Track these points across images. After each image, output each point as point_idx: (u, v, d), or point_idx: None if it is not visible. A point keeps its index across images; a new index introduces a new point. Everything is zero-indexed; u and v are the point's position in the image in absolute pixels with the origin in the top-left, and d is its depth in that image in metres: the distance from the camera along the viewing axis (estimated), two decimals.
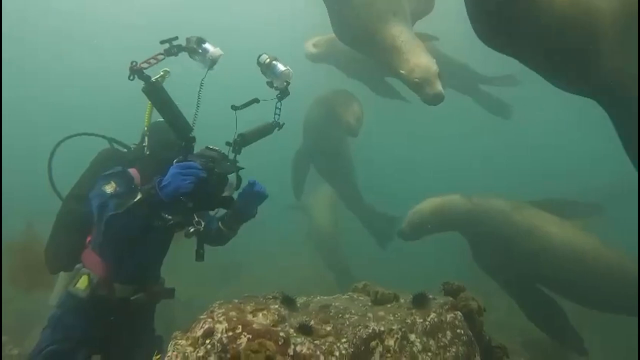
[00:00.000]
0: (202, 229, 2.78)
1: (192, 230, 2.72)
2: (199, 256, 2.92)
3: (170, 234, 3.03)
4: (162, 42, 2.59)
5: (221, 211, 3.01)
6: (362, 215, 9.03)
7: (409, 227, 5.70)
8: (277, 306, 2.49)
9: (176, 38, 2.61)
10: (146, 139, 2.97)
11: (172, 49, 2.59)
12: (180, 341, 2.05)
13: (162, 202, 2.42)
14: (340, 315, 2.53)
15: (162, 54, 2.57)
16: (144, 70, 2.43)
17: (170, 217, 2.68)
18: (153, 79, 2.46)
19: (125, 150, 3.15)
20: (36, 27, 21.52)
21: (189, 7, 19.82)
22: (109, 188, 2.72)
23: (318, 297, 2.97)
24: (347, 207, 9.16)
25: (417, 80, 4.49)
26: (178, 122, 2.49)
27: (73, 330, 2.75)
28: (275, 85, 2.82)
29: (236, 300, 2.50)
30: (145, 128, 2.93)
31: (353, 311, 2.58)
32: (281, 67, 2.76)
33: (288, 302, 2.65)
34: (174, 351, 1.99)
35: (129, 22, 20.81)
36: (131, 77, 2.42)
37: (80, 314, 2.76)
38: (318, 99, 8.25)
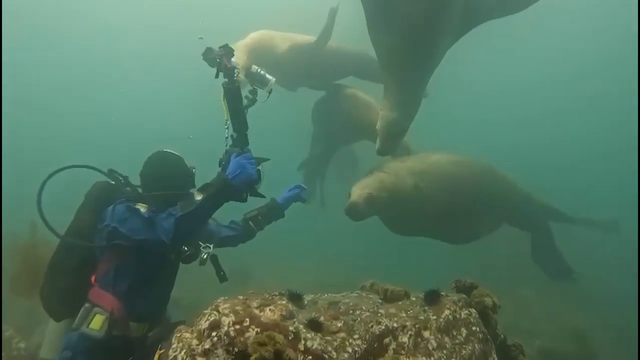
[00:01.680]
0: (211, 251, 2.81)
1: (205, 256, 2.78)
2: (222, 278, 2.97)
3: (177, 267, 2.93)
4: (200, 38, 2.82)
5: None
6: (310, 174, 8.99)
7: (365, 203, 4.76)
8: (284, 302, 2.39)
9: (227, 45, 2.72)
10: (139, 177, 2.93)
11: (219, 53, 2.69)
12: (184, 334, 1.93)
13: (234, 192, 2.58)
14: (350, 311, 2.43)
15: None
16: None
17: (186, 248, 2.69)
18: (235, 77, 2.64)
19: (114, 182, 2.92)
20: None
21: None
22: (142, 208, 2.60)
23: (326, 295, 2.87)
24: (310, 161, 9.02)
25: (377, 128, 4.68)
26: (242, 119, 2.67)
27: None
28: (258, 92, 2.85)
29: (241, 297, 2.39)
30: (226, 119, 2.82)
31: (364, 308, 2.48)
32: (269, 76, 2.86)
33: (295, 298, 2.54)
34: (178, 343, 1.88)
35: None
36: (217, 76, 2.65)
37: (94, 356, 2.54)
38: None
